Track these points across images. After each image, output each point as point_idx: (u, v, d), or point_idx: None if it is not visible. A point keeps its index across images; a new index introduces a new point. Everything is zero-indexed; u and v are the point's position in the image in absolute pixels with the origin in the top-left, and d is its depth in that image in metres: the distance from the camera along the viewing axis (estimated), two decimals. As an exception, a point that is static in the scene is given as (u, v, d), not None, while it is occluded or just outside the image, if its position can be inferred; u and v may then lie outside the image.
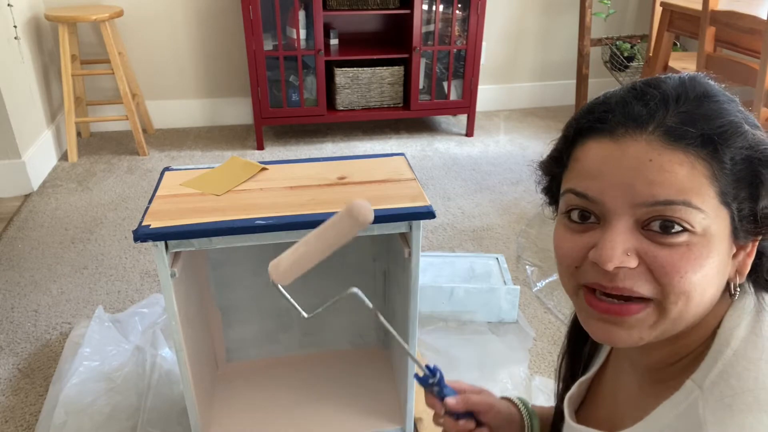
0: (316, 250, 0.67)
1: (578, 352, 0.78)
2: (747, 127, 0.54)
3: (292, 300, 0.72)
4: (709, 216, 0.53)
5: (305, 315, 0.72)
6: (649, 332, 0.56)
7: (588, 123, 0.58)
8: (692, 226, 0.52)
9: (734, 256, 0.57)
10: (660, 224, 0.53)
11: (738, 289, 0.58)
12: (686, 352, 0.59)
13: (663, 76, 0.58)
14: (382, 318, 0.71)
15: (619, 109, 0.56)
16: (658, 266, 0.53)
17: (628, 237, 0.54)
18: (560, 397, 0.78)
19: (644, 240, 0.54)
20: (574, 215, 0.58)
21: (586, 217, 0.57)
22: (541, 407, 0.85)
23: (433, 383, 0.73)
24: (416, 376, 0.73)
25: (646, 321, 0.56)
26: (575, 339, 0.78)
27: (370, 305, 0.69)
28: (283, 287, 0.69)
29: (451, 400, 0.73)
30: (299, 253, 0.67)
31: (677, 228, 0.52)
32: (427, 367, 0.73)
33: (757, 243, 0.58)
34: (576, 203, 0.57)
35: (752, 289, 0.60)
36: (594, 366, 0.75)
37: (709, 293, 0.55)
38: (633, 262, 0.54)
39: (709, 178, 0.52)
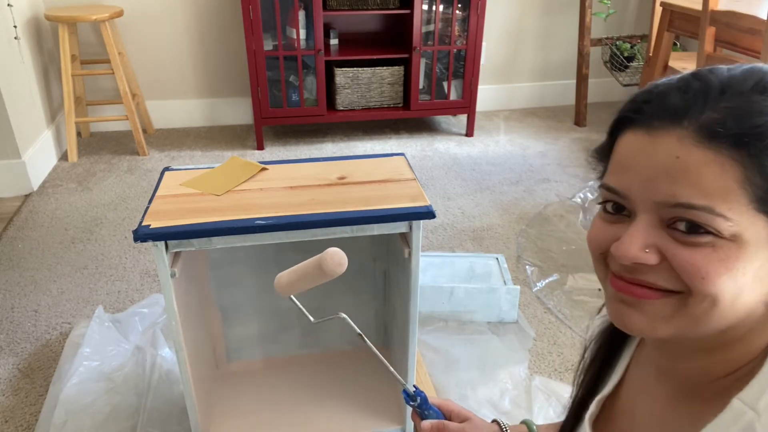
0: (300, 283, 0.78)
1: (605, 365, 0.74)
2: None
3: (300, 306, 0.81)
4: (738, 223, 0.48)
5: (312, 319, 0.82)
6: (664, 325, 0.53)
7: (627, 113, 0.55)
8: (718, 231, 0.49)
9: None
10: (686, 224, 0.50)
11: None
12: (728, 370, 0.55)
13: (723, 67, 0.54)
14: (369, 343, 0.80)
15: (658, 100, 0.53)
16: (678, 265, 0.51)
17: (649, 233, 0.52)
18: (574, 412, 0.76)
19: (668, 238, 0.51)
20: (609, 206, 0.56)
21: (621, 209, 0.55)
22: (548, 426, 0.84)
23: (415, 405, 0.80)
24: (404, 392, 0.80)
25: (662, 311, 0.53)
26: (605, 351, 0.74)
27: (357, 329, 0.79)
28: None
29: (426, 425, 0.79)
30: (291, 279, 0.78)
31: (703, 230, 0.49)
32: (415, 387, 0.80)
33: None
34: (608, 197, 0.56)
35: None
36: (610, 383, 0.72)
37: (743, 301, 0.51)
38: (653, 259, 0.52)
39: (741, 182, 0.48)
